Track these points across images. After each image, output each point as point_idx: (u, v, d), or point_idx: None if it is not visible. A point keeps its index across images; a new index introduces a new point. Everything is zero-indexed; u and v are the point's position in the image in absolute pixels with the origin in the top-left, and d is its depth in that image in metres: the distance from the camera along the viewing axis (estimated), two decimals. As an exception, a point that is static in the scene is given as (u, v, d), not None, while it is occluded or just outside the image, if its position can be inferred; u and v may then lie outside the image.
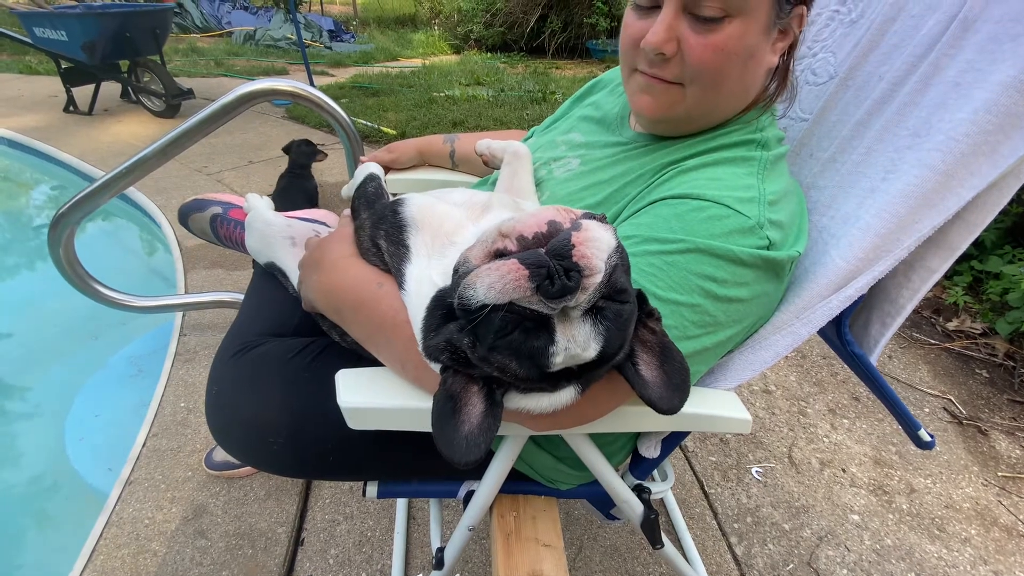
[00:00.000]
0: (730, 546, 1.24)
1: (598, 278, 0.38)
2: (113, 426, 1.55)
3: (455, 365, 0.44)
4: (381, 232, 0.59)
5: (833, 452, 1.49)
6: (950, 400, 1.67)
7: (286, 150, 2.34)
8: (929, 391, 1.71)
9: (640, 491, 0.79)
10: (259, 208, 0.86)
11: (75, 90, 3.95)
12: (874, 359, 0.72)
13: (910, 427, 0.75)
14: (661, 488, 0.81)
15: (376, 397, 0.56)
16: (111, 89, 4.23)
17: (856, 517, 1.31)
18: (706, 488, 1.37)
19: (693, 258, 0.53)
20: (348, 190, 0.74)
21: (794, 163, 0.78)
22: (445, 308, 0.46)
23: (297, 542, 1.19)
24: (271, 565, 1.12)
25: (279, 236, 0.80)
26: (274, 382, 0.65)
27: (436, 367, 0.48)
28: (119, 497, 1.24)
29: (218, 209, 1.01)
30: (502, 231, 0.41)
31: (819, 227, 0.66)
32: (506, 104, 4.49)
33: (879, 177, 0.61)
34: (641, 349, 0.47)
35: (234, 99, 1.19)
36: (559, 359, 0.40)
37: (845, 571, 1.19)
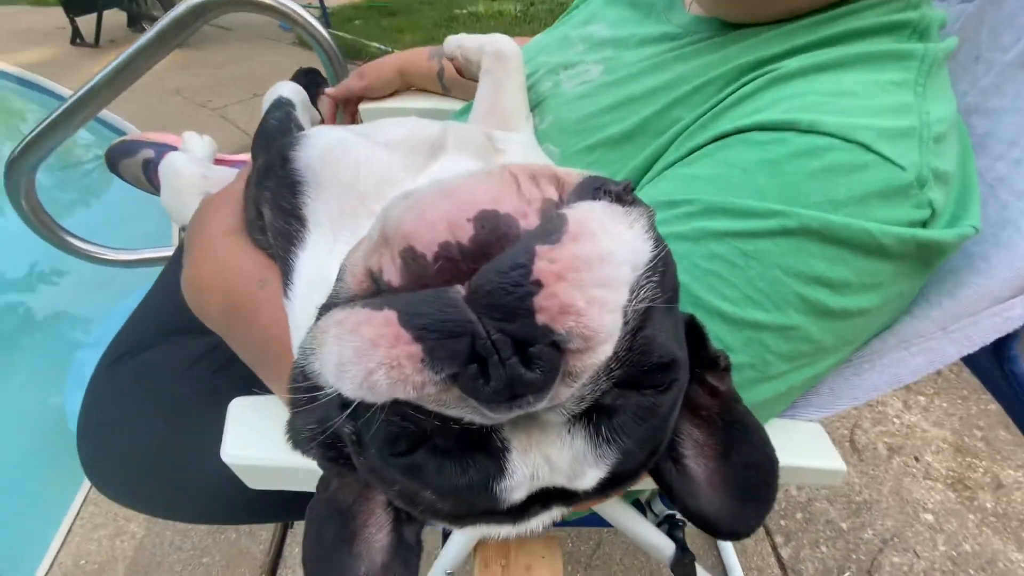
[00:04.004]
0: (775, 547, 1.07)
1: (603, 353, 0.17)
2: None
3: (338, 466, 0.25)
4: (266, 193, 0.38)
5: (905, 436, 1.27)
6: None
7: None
8: None
9: (672, 527, 0.61)
10: (180, 155, 0.66)
11: (80, 21, 3.76)
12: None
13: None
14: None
15: (272, 448, 0.37)
16: (119, 19, 4.02)
17: (929, 517, 1.12)
18: (748, 476, 1.19)
19: (794, 245, 0.30)
20: None
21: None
22: None
23: (285, 526, 1.09)
24: (256, 551, 1.03)
25: (191, 191, 0.59)
26: (160, 402, 0.47)
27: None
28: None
29: (150, 153, 0.83)
30: (385, 229, 0.19)
31: (989, 180, 0.40)
32: (536, 19, 4.04)
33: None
34: (691, 425, 0.26)
35: (185, 11, 0.99)
36: (519, 494, 0.20)
37: (914, 583, 1.02)
